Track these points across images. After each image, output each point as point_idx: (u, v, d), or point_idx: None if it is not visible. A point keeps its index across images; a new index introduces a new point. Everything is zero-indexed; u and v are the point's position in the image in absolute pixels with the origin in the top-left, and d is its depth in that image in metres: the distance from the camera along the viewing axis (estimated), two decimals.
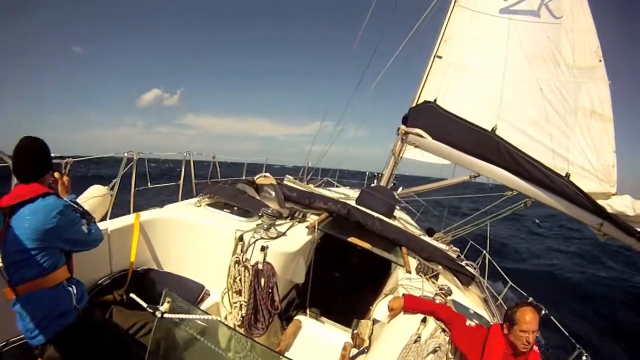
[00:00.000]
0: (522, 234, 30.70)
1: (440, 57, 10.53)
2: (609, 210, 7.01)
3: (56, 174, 3.51)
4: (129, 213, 5.36)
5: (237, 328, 4.58)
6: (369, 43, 15.91)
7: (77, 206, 3.46)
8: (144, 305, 3.29)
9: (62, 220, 2.98)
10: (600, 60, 9.03)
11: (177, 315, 3.09)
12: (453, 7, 11.07)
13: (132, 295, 3.50)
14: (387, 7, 15.67)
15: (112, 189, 5.76)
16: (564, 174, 7.40)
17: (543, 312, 6.23)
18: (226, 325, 3.70)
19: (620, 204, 7.11)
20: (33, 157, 3.08)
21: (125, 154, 6.15)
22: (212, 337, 3.26)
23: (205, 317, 3.28)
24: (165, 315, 3.08)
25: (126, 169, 6.17)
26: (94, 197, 4.61)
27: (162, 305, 3.16)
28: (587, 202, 7.02)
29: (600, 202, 7.14)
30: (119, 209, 5.68)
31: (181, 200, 6.60)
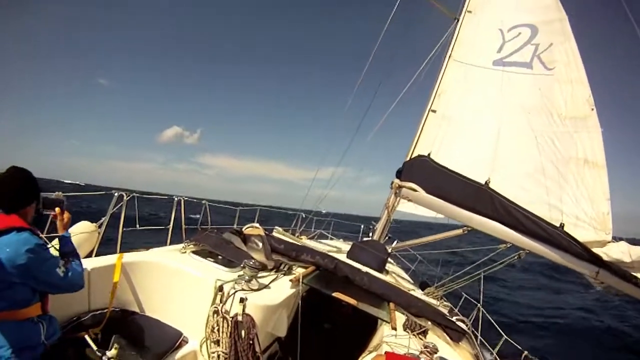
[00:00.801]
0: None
1: (434, 111, 10.64)
2: (605, 258, 6.91)
3: (57, 210, 3.50)
4: (116, 251, 5.32)
5: None
6: (367, 95, 16.22)
7: (67, 246, 3.44)
8: (94, 347, 3.26)
9: (33, 258, 2.86)
10: (592, 109, 9.12)
11: None
12: (447, 61, 11.24)
13: (86, 336, 3.47)
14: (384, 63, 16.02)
15: (100, 226, 5.80)
16: (558, 224, 7.33)
17: None
18: None
19: (617, 251, 7.03)
20: (14, 189, 3.07)
21: (116, 194, 6.24)
22: None
23: None
24: None
25: (116, 208, 6.21)
26: (81, 233, 4.55)
27: (110, 350, 3.11)
28: (582, 251, 6.94)
29: (596, 250, 7.07)
30: (110, 246, 5.65)
31: (169, 244, 6.59)
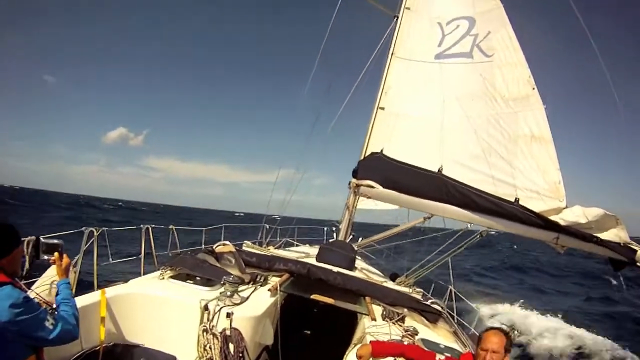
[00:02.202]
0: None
1: (382, 109, 10.85)
2: (562, 223, 7.16)
3: (56, 255, 3.56)
4: (93, 289, 5.39)
5: None
6: (319, 94, 16.32)
7: (62, 292, 3.44)
8: None
9: (17, 313, 2.78)
10: (533, 88, 9.43)
11: None
12: (390, 59, 11.44)
13: None
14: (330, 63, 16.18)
15: (74, 265, 5.76)
16: (513, 199, 7.57)
17: (515, 336, 6.36)
18: None
19: (572, 215, 7.24)
20: None
21: (86, 230, 6.29)
22: None
23: None
24: None
25: (87, 245, 6.24)
26: (55, 277, 4.65)
27: None
28: (539, 220, 7.21)
29: (553, 217, 7.33)
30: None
31: (143, 272, 6.67)
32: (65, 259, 3.63)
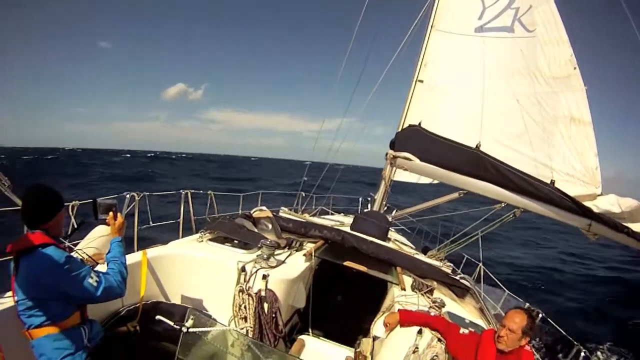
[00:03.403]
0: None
1: (421, 81, 10.81)
2: (596, 210, 7.12)
3: (110, 214, 3.69)
4: (133, 250, 5.55)
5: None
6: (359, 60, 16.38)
7: (113, 250, 3.56)
8: (171, 323, 3.51)
9: (59, 273, 2.94)
10: (575, 68, 9.36)
11: (200, 329, 3.33)
12: (430, 32, 11.36)
13: (158, 317, 3.71)
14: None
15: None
16: (549, 182, 7.51)
17: (540, 316, 6.44)
18: (244, 335, 3.95)
19: (606, 203, 7.28)
20: (35, 206, 3.13)
21: (127, 195, 6.43)
22: (234, 348, 3.49)
23: (225, 328, 3.50)
24: (190, 329, 3.32)
25: (129, 208, 6.42)
26: (100, 237, 4.80)
27: (187, 321, 3.39)
28: (573, 205, 7.13)
29: (587, 203, 7.28)
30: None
31: (181, 236, 6.78)
32: (120, 218, 3.73)
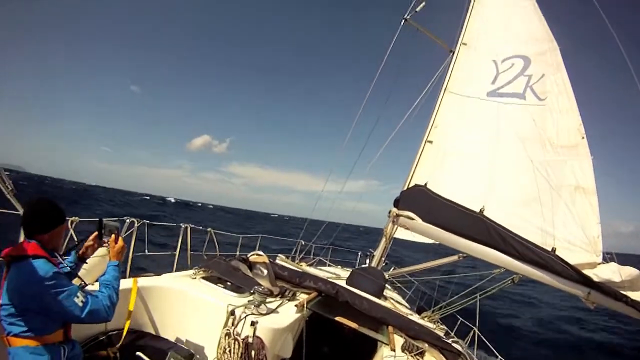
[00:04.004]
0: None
1: (430, 142, 10.91)
2: (596, 279, 7.06)
3: (112, 237, 3.71)
4: (125, 276, 5.58)
5: None
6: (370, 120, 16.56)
7: (107, 274, 3.54)
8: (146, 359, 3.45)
9: (44, 287, 2.93)
10: (582, 137, 9.41)
11: None
12: (443, 94, 11.49)
13: (138, 353, 3.65)
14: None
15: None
16: (550, 249, 7.47)
17: None
18: None
19: (607, 272, 7.17)
20: (35, 216, 3.20)
21: (127, 220, 6.48)
22: None
23: None
24: None
25: (127, 233, 6.41)
26: (94, 257, 4.79)
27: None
28: (574, 273, 7.08)
29: (587, 271, 7.23)
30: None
31: (175, 269, 6.81)
32: (120, 242, 3.74)
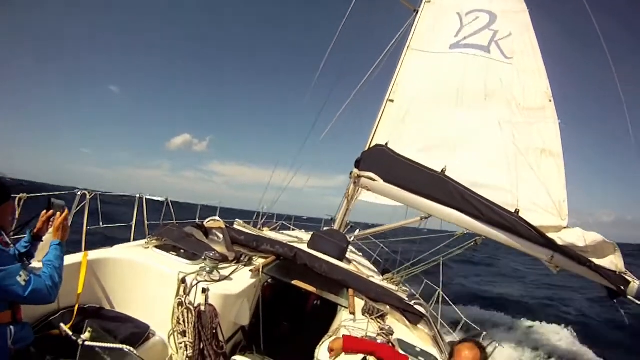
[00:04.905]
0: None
1: (392, 101, 10.71)
2: (560, 242, 7.06)
3: (43, 213, 3.64)
4: (80, 250, 5.31)
5: None
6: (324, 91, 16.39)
7: (49, 253, 3.39)
8: (69, 332, 3.29)
9: None
10: (550, 100, 9.31)
11: (96, 344, 3.11)
12: (406, 52, 11.32)
13: (63, 326, 3.50)
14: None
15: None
16: (513, 210, 7.46)
17: (494, 347, 6.27)
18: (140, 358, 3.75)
19: (571, 236, 7.16)
20: None
21: (78, 193, 6.22)
22: None
23: (126, 350, 3.29)
24: (87, 343, 3.09)
25: (79, 206, 6.19)
26: (48, 234, 4.61)
27: (84, 333, 3.16)
28: (537, 236, 7.07)
29: (551, 235, 7.21)
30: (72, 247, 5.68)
31: (132, 240, 6.62)
32: (60, 219, 3.58)
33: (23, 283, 2.92)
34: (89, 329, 3.46)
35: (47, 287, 3.11)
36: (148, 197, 7.85)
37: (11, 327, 3.02)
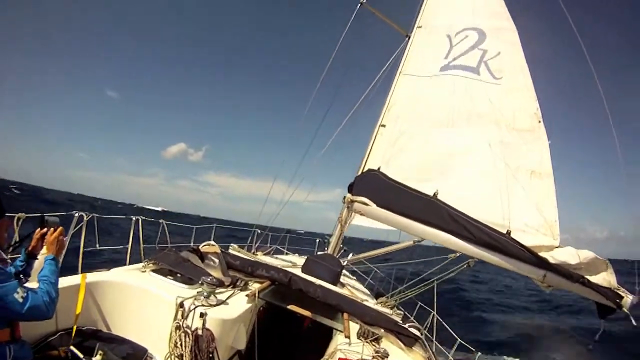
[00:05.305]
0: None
1: (384, 126, 10.79)
2: (552, 261, 7.05)
3: (37, 231, 3.68)
4: (77, 272, 5.41)
5: None
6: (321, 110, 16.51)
7: (44, 269, 3.43)
8: (81, 356, 3.33)
9: None
10: (539, 122, 9.35)
11: None
12: (398, 77, 11.43)
13: (71, 347, 3.54)
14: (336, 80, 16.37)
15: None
16: (505, 232, 7.48)
17: None
18: None
19: (564, 254, 7.14)
20: None
21: (76, 214, 6.25)
22: None
23: None
24: None
25: (76, 228, 6.26)
26: (42, 255, 4.67)
27: (95, 356, 3.21)
28: (529, 256, 7.06)
29: (543, 254, 7.21)
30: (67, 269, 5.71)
31: (128, 263, 6.71)
32: (54, 234, 3.65)
33: (21, 300, 2.97)
34: (100, 352, 3.51)
35: (45, 302, 3.17)
36: (144, 218, 7.92)
37: (10, 345, 3.07)
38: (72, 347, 3.78)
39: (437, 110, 10.34)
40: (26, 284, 3.43)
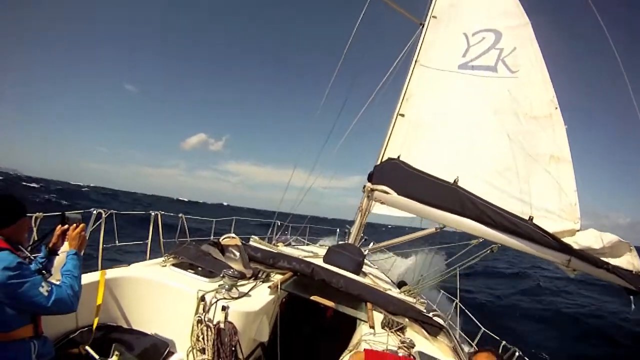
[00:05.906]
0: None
1: (402, 115, 10.78)
2: (576, 246, 7.00)
3: (58, 227, 3.70)
4: (97, 269, 5.38)
5: None
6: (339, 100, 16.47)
7: (66, 264, 3.45)
8: (96, 357, 3.32)
9: (9, 277, 2.84)
10: (556, 108, 9.28)
11: None
12: (414, 66, 11.38)
13: (87, 347, 3.53)
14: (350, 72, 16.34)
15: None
16: (527, 218, 7.43)
17: (516, 354, 6.27)
18: None
19: (587, 239, 7.08)
20: None
21: (94, 212, 6.24)
22: None
23: None
24: None
25: (95, 225, 6.24)
26: (62, 252, 4.66)
27: (111, 357, 3.19)
28: (552, 241, 7.04)
29: (566, 239, 7.19)
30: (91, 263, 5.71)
31: (149, 257, 6.68)
32: (76, 229, 3.66)
33: (46, 293, 3.00)
34: (116, 352, 3.50)
35: (69, 296, 3.20)
36: (164, 213, 7.89)
37: (34, 341, 3.11)
38: (87, 347, 3.77)
39: (456, 104, 10.37)
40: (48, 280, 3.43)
